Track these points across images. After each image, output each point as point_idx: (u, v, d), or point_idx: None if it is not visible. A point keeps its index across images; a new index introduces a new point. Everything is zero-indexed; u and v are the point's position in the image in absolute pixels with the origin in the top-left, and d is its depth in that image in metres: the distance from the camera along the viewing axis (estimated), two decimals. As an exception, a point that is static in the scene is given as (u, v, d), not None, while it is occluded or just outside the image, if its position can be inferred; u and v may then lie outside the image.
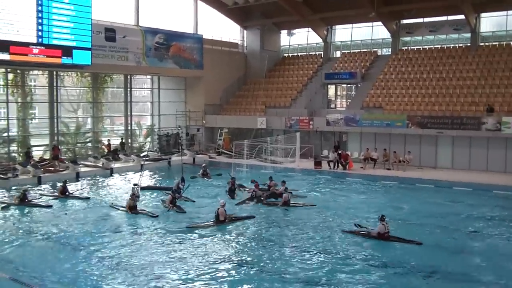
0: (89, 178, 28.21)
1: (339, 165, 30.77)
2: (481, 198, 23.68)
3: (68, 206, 21.63)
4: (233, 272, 13.70)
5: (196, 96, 39.89)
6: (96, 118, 35.52)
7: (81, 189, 24.57)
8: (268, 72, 42.61)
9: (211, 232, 17.44)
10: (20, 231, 17.80)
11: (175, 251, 15.38)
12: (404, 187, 26.41)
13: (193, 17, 40.45)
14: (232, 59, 42.72)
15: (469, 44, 36.33)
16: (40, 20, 26.75)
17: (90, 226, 18.36)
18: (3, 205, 21.26)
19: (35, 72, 32.47)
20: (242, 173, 29.51)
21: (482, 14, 36.00)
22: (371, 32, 41.50)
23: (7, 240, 16.63)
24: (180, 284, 12.81)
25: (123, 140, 35.60)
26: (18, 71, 30.88)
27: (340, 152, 31.47)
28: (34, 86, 33.31)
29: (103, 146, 34.30)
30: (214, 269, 13.77)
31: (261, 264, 14.31)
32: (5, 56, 25.91)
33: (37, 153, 31.19)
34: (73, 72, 33.67)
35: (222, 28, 42.73)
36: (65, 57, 28.03)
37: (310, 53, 44.31)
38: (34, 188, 25.01)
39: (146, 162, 31.30)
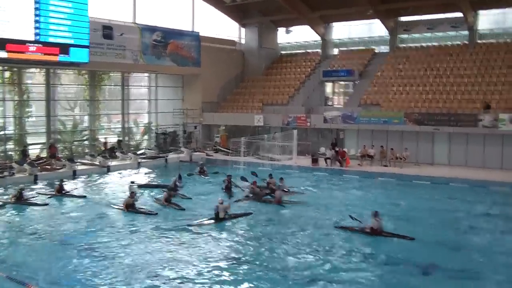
0: (86, 176, 28.16)
1: (336, 162, 30.79)
2: (477, 194, 23.75)
3: (65, 204, 21.60)
4: (230, 269, 13.67)
5: (194, 93, 39.87)
6: (93, 116, 35.48)
7: (76, 188, 24.47)
8: (265, 70, 42.56)
9: (209, 230, 17.41)
10: (16, 229, 17.76)
11: (173, 249, 15.35)
12: (401, 184, 26.44)
13: (191, 15, 40.37)
14: (230, 57, 42.67)
15: (466, 42, 36.31)
16: (37, 18, 26.65)
17: (86, 224, 18.34)
18: (-1, 203, 21.25)
19: (32, 70, 32.43)
20: (239, 170, 29.51)
21: (480, 12, 35.99)
22: (368, 29, 41.44)
23: (2, 238, 16.60)
24: (178, 282, 12.77)
25: (120, 138, 35.54)
26: (15, 69, 30.80)
27: (337, 149, 31.50)
28: (31, 84, 33.25)
29: (100, 144, 34.21)
30: (211, 267, 13.75)
31: (258, 261, 14.32)
32: (1, 54, 25.77)
33: (33, 151, 31.15)
34: (70, 70, 33.61)
35: (220, 26, 42.68)
36: (62, 55, 27.93)
37: (308, 50, 44.28)
38: (30, 186, 24.98)
39: (143, 160, 31.26)
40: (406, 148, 30.52)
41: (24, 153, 29.05)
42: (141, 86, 40.48)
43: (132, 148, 36.64)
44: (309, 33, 43.75)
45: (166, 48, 35.67)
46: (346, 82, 38.98)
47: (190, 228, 17.58)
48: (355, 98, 36.55)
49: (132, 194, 20.54)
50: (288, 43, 45.94)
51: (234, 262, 14.29)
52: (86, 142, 35.34)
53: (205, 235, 16.80)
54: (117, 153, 33.17)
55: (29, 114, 32.64)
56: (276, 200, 21.43)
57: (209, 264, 13.94)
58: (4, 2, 25.62)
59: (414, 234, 16.68)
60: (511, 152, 28.59)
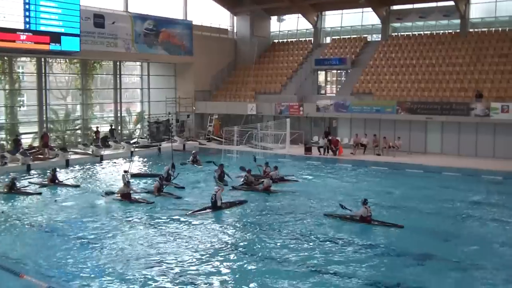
0: (79, 166, 28.09)
1: (329, 150, 30.89)
2: (470, 183, 23.90)
3: (58, 194, 21.55)
4: (227, 258, 13.71)
5: (186, 82, 39.76)
6: (86, 105, 35.29)
7: (70, 178, 24.40)
8: (258, 58, 42.48)
9: (205, 219, 17.42)
10: (9, 219, 17.67)
11: (167, 238, 15.36)
12: (394, 173, 26.59)
13: (183, 3, 40.14)
14: (222, 46, 42.54)
15: (458, 30, 36.42)
16: (27, 6, 26.35)
17: (80, 213, 18.29)
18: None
19: (23, 58, 32.14)
20: (232, 159, 29.52)
21: (472, 1, 36.05)
22: (361, 18, 41.42)
23: (-4, 228, 16.58)
24: (172, 271, 12.79)
25: (113, 127, 35.43)
26: (6, 58, 30.53)
27: (330, 138, 31.58)
28: (22, 73, 33.02)
29: (93, 133, 34.07)
30: (208, 256, 13.77)
31: (253, 250, 14.37)
32: (-8, 43, 25.62)
33: (26, 140, 30.98)
34: (61, 59, 33.38)
35: (212, 14, 42.49)
36: (54, 44, 27.70)
37: (300, 39, 44.15)
38: (23, 175, 24.90)
39: (136, 149, 31.21)
40: (399, 137, 30.66)
41: (16, 143, 28.86)
42: (133, 75, 40.28)
43: (125, 137, 36.52)
44: (301, 22, 43.74)
45: (158, 36, 35.54)
46: (338, 71, 38.96)
47: (186, 217, 17.59)
48: (347, 86, 36.61)
49: (128, 183, 20.44)
50: (280, 31, 45.82)
51: (229, 251, 14.33)
52: (78, 132, 35.16)
53: (201, 224, 16.81)
54: (110, 142, 33.08)
55: (20, 103, 32.42)
56: (263, 187, 21.55)
57: (204, 254, 13.96)
58: (-6, -10, 25.35)
59: (406, 222, 16.80)
60: (503, 141, 28.84)
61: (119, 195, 20.07)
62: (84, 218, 17.72)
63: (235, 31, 44.79)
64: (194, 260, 13.51)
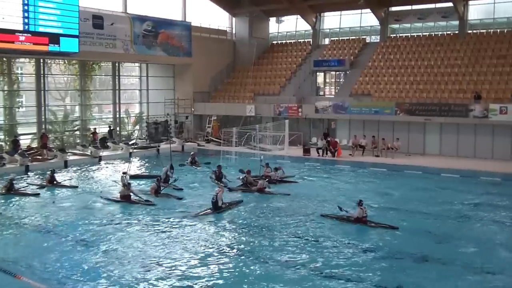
0: (77, 167, 28.06)
1: (328, 152, 30.88)
2: (469, 184, 23.93)
3: (56, 195, 21.52)
4: (226, 261, 13.69)
5: (185, 83, 39.75)
6: (84, 106, 35.29)
7: (68, 179, 24.38)
8: (256, 60, 42.50)
9: (203, 221, 17.39)
10: (7, 220, 17.64)
11: (167, 240, 15.33)
12: (393, 174, 26.58)
13: (182, 4, 40.15)
14: (221, 47, 42.54)
15: (457, 32, 36.45)
16: (26, 7, 26.35)
17: (78, 215, 18.27)
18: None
19: (22, 59, 32.16)
20: (231, 161, 29.51)
21: (470, 2, 36.15)
22: (359, 19, 41.50)
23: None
24: (171, 274, 12.77)
25: (112, 128, 35.42)
26: (4, 58, 30.55)
27: (329, 139, 31.58)
28: (21, 74, 33.04)
29: (90, 134, 34.01)
30: (206, 259, 13.75)
31: (251, 252, 14.38)
32: (-10, 44, 25.61)
33: (24, 141, 30.95)
34: (60, 60, 33.38)
35: (211, 16, 42.56)
36: (52, 45, 27.68)
37: (299, 40, 44.18)
38: (21, 176, 24.87)
39: (135, 150, 31.20)
40: (398, 138, 30.66)
41: (15, 144, 28.82)
42: (132, 76, 40.27)
43: (124, 138, 36.50)
44: (300, 23, 43.78)
45: (157, 37, 35.53)
46: (337, 72, 38.96)
47: (185, 219, 17.57)
48: (346, 88, 36.62)
49: (129, 184, 20.35)
50: (279, 32, 45.86)
51: (228, 253, 14.33)
52: (77, 133, 35.14)
53: (199, 226, 16.80)
54: (108, 143, 33.06)
55: (19, 104, 32.41)
56: (257, 188, 21.58)
57: (203, 256, 13.94)
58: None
59: (405, 223, 16.88)
60: (501, 142, 28.85)
61: (120, 196, 20.03)
62: (82, 219, 17.66)
63: (234, 32, 44.80)
64: (192, 262, 13.48)
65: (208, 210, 18.36)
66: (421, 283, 12.16)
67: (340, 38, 41.90)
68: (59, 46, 28.01)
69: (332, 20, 42.90)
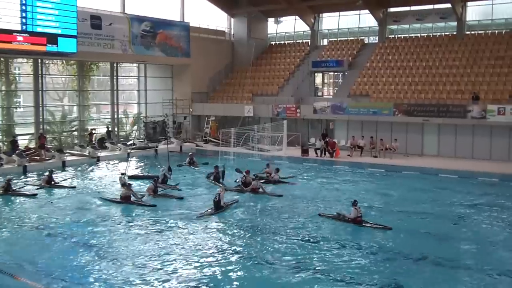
0: (75, 167, 28.01)
1: (326, 152, 30.88)
2: (466, 185, 23.94)
3: (54, 195, 21.47)
4: (221, 260, 13.69)
5: (183, 84, 39.74)
6: (82, 107, 35.25)
7: (66, 179, 24.35)
8: (255, 60, 42.51)
9: (201, 221, 17.36)
10: (4, 221, 17.61)
11: (165, 241, 15.31)
12: (391, 175, 26.57)
13: (180, 5, 40.16)
14: (219, 47, 42.54)
15: (455, 33, 36.50)
16: (24, 7, 26.24)
17: (76, 215, 18.24)
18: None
19: (20, 60, 32.12)
20: (229, 161, 29.50)
21: (468, 3, 36.24)
22: (358, 20, 41.56)
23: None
24: (171, 273, 12.76)
25: (110, 129, 35.40)
26: (2, 59, 30.51)
27: (327, 140, 31.58)
28: (19, 74, 32.99)
29: (88, 135, 33.97)
30: (204, 260, 13.72)
31: (249, 252, 14.37)
32: (-12, 44, 25.54)
33: (22, 142, 30.90)
34: (58, 60, 33.34)
35: (209, 16, 42.61)
36: (50, 45, 27.57)
37: (297, 41, 44.24)
38: (19, 177, 24.83)
39: (132, 151, 31.16)
40: (396, 139, 30.68)
41: (14, 144, 28.75)
42: (130, 76, 40.25)
43: (122, 139, 36.47)
44: (298, 24, 43.82)
45: (155, 38, 35.52)
46: (335, 73, 38.97)
47: (185, 219, 17.56)
48: (344, 88, 36.63)
49: (130, 185, 20.23)
50: (278, 33, 45.88)
51: (227, 254, 14.30)
52: (75, 133, 35.10)
53: (197, 226, 16.76)
54: (106, 144, 33.02)
55: (17, 104, 32.38)
56: (250, 188, 21.59)
57: (202, 257, 13.92)
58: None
59: (403, 224, 16.92)
60: (499, 143, 28.88)
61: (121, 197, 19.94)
62: (80, 220, 17.66)
63: (232, 33, 44.80)
64: (192, 263, 13.47)
65: (210, 210, 18.40)
66: (419, 284, 12.16)
67: (339, 39, 41.93)
68: (57, 46, 27.91)
69: (330, 21, 42.94)
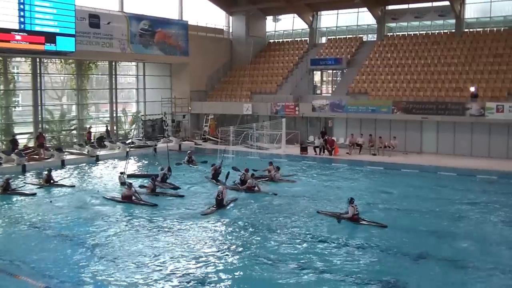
0: (74, 166, 28.01)
1: (325, 150, 30.92)
2: (465, 182, 23.96)
3: (53, 194, 21.47)
4: (221, 259, 13.71)
5: (182, 82, 39.74)
6: (81, 105, 35.24)
7: (64, 178, 24.36)
8: (253, 58, 42.50)
9: (200, 220, 17.37)
10: (4, 220, 17.63)
11: (164, 239, 15.33)
12: (390, 172, 26.60)
13: (178, 3, 40.13)
14: (218, 46, 42.53)
15: (453, 30, 36.48)
16: (22, 6, 26.25)
17: (75, 214, 18.23)
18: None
19: (18, 59, 32.10)
20: (228, 159, 29.49)
21: (467, 1, 36.17)
22: (356, 18, 41.55)
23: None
24: (168, 273, 12.77)
25: (109, 127, 35.38)
26: (0, 58, 30.47)
27: (326, 137, 31.61)
28: (17, 73, 32.97)
29: (86, 133, 33.94)
30: (204, 258, 13.76)
31: (248, 250, 14.40)
32: (-14, 43, 25.51)
33: (21, 141, 30.87)
34: (57, 59, 33.31)
35: (208, 14, 42.53)
36: (49, 44, 27.58)
37: (296, 39, 44.22)
38: (18, 176, 24.83)
39: (131, 149, 31.16)
40: (395, 137, 30.73)
41: (14, 143, 28.72)
42: (129, 75, 40.24)
43: (121, 138, 36.47)
44: (297, 22, 43.79)
45: (154, 37, 35.47)
46: (334, 71, 38.96)
47: (185, 217, 17.57)
48: (343, 86, 36.64)
49: (131, 185, 20.13)
50: (276, 31, 45.85)
51: (226, 252, 14.34)
52: (74, 132, 35.09)
53: (196, 225, 16.78)
54: (105, 143, 33.03)
55: (15, 103, 32.35)
56: (246, 186, 21.64)
57: (201, 255, 13.95)
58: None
59: (401, 221, 17.02)
60: (498, 140, 28.92)
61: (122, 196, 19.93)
62: (79, 218, 17.66)
63: (230, 31, 44.78)
64: (192, 262, 13.48)
65: (213, 208, 18.46)
66: (418, 281, 12.18)
67: (337, 37, 41.92)
68: (56, 45, 27.91)
69: (329, 19, 42.91)
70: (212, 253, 14.11)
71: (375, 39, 39.90)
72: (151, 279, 12.30)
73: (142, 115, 38.37)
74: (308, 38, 42.81)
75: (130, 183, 20.44)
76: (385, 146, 30.36)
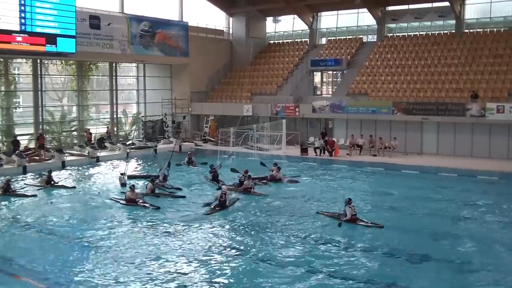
0: (75, 167, 28.02)
1: (325, 151, 30.92)
2: (466, 183, 23.99)
3: (54, 195, 21.48)
4: (222, 259, 13.76)
5: (182, 83, 39.75)
6: (82, 107, 35.25)
7: (65, 179, 24.37)
8: (253, 59, 42.52)
9: (200, 221, 17.40)
10: (4, 221, 17.63)
11: (165, 240, 15.34)
12: (390, 173, 26.62)
13: (178, 4, 40.15)
14: (218, 47, 42.54)
15: (453, 31, 36.49)
16: (23, 8, 26.27)
17: (76, 215, 18.26)
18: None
19: (19, 60, 32.10)
20: (228, 160, 29.50)
21: (467, 1, 36.20)
22: (356, 19, 41.57)
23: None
24: (169, 274, 12.78)
25: (108, 129, 35.38)
26: (1, 59, 30.49)
27: (326, 138, 31.62)
28: (18, 74, 32.97)
29: (86, 134, 33.94)
30: (205, 259, 13.78)
31: (250, 251, 14.42)
32: (-13, 44, 25.53)
33: (21, 142, 30.84)
34: (57, 60, 33.33)
35: (208, 15, 42.59)
36: (49, 45, 27.61)
37: (296, 40, 44.23)
38: (19, 177, 24.84)
39: (132, 150, 31.16)
40: (395, 138, 30.72)
41: (15, 144, 28.71)
42: (129, 76, 40.25)
43: (121, 139, 36.47)
44: (297, 23, 43.79)
45: (154, 38, 35.50)
46: (334, 72, 38.99)
47: (186, 218, 17.60)
48: (343, 87, 36.65)
49: (133, 187, 20.02)
50: (276, 32, 45.87)
51: (227, 253, 14.37)
52: (74, 133, 35.10)
53: (196, 226, 16.80)
54: (106, 144, 33.03)
55: (16, 105, 32.37)
56: (242, 188, 21.64)
57: (202, 256, 13.98)
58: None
59: (401, 222, 17.06)
60: (498, 141, 28.91)
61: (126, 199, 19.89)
62: (80, 220, 17.67)
63: (231, 32, 44.81)
64: (193, 263, 13.51)
65: (217, 208, 18.52)
66: (418, 282, 12.20)
67: (337, 38, 41.93)
68: (56, 46, 27.95)
69: (329, 20, 42.92)
70: (214, 254, 14.13)
71: (375, 40, 39.92)
72: (153, 280, 12.31)
73: (143, 116, 38.38)
74: (308, 39, 42.81)
75: (133, 185, 20.37)
76: (385, 147, 30.36)
